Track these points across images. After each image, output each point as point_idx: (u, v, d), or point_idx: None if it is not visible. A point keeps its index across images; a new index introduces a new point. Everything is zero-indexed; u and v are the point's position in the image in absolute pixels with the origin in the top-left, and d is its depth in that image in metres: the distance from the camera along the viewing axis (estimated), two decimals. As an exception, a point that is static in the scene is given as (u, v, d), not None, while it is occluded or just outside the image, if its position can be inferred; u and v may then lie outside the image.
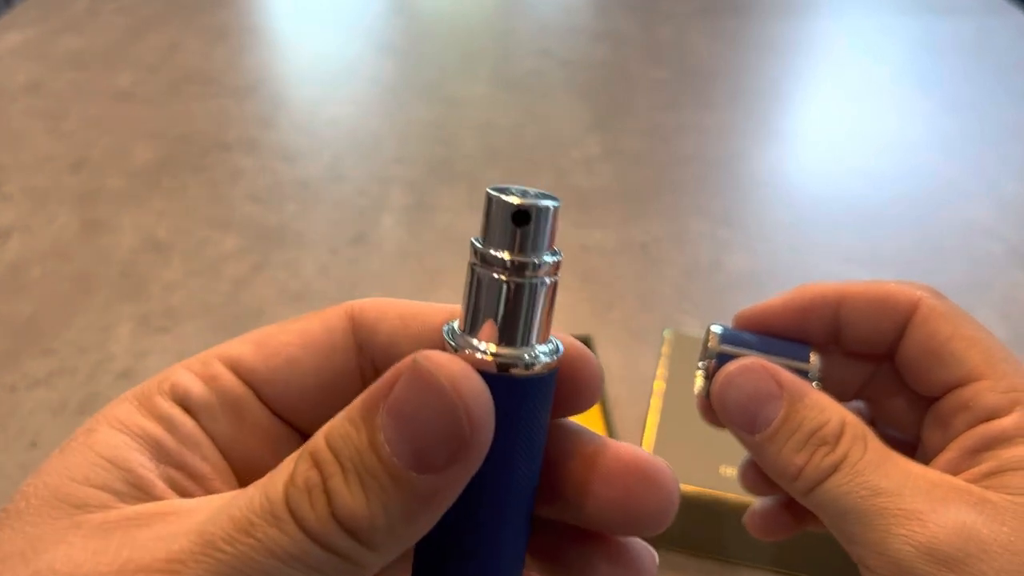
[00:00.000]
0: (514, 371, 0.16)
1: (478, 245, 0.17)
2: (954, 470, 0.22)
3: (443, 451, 0.15)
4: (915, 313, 0.25)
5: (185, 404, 0.18)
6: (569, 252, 0.69)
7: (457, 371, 0.15)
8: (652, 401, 0.48)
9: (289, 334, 0.19)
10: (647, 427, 0.46)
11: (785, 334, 0.26)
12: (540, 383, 0.17)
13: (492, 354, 0.16)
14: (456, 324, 0.17)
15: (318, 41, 1.08)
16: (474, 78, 0.99)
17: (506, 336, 0.16)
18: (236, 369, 0.19)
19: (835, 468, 0.22)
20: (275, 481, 0.15)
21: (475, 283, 0.17)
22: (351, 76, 0.99)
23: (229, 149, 0.83)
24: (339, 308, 0.20)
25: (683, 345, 0.52)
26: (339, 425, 0.16)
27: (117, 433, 0.17)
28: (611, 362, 0.58)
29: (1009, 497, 0.21)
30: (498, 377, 0.16)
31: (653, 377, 0.51)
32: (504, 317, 0.16)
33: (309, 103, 0.93)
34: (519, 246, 0.16)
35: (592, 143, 0.86)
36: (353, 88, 0.96)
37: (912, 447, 0.26)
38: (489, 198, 0.16)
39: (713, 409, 0.25)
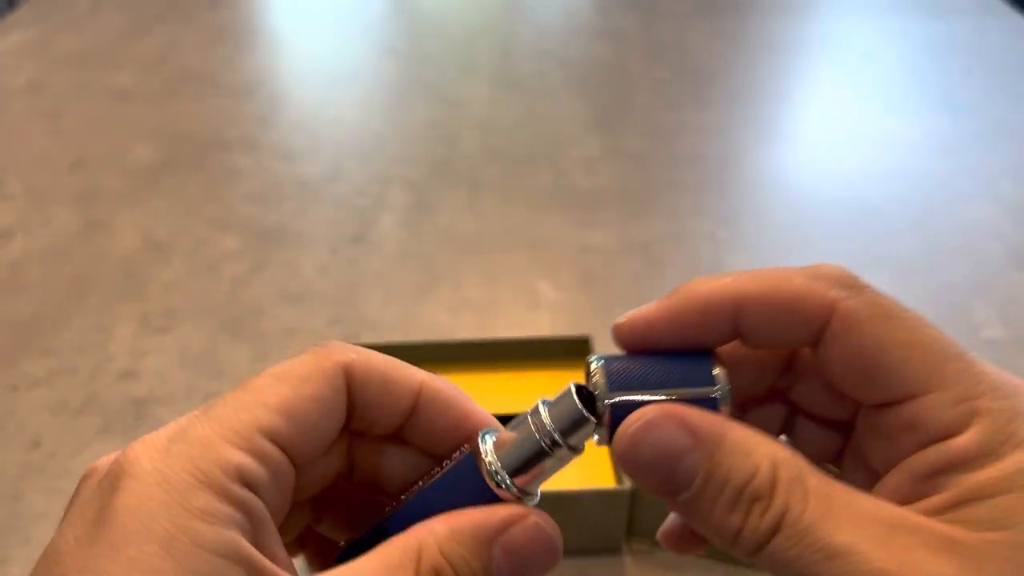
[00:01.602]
0: None
1: (547, 418, 0.21)
2: (906, 498, 0.19)
3: None
4: (831, 321, 0.20)
5: (252, 487, 0.19)
6: (569, 252, 0.70)
7: (559, 533, 0.21)
8: (652, 401, 0.48)
9: (310, 401, 0.20)
10: (647, 427, 0.46)
11: (677, 345, 0.21)
12: None
13: (524, 496, 0.21)
14: (493, 450, 0.21)
15: (318, 41, 1.08)
16: (474, 78, 0.99)
17: (533, 486, 0.21)
18: (276, 442, 0.20)
19: (776, 528, 0.19)
20: None
21: (534, 447, 0.21)
22: (351, 76, 0.99)
23: (228, 149, 0.83)
24: (338, 365, 0.21)
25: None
26: (455, 549, 0.19)
27: (220, 529, 0.18)
28: (611, 362, 0.58)
29: (979, 535, 0.18)
30: None
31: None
32: (542, 474, 0.21)
33: (309, 103, 0.93)
34: (581, 434, 0.21)
35: (592, 143, 0.86)
36: (353, 88, 0.96)
37: (847, 426, 0.23)
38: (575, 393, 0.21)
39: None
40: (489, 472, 0.21)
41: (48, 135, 0.85)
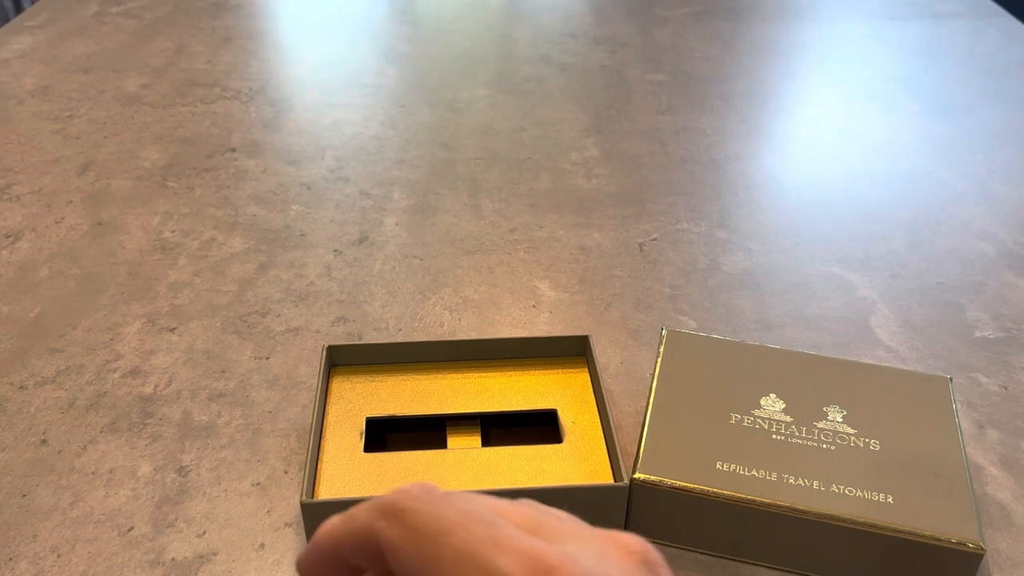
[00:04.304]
0: None
1: None
2: None
3: None
4: (382, 549, 0.22)
5: None
6: (568, 253, 0.71)
7: None
8: (650, 398, 0.49)
9: None
10: (645, 423, 0.47)
11: None
12: None
13: None
14: None
15: (322, 47, 1.09)
16: (475, 83, 1.00)
17: None
18: None
19: None
20: None
21: None
22: (354, 81, 1.00)
23: (234, 152, 0.85)
24: None
25: (680, 343, 0.53)
26: None
27: None
28: (609, 361, 0.59)
29: None
30: None
31: (650, 375, 0.52)
32: None
33: (313, 107, 0.94)
34: None
35: (590, 146, 0.87)
36: (356, 92, 0.97)
37: None
38: None
39: None
40: None
41: (57, 138, 0.87)
